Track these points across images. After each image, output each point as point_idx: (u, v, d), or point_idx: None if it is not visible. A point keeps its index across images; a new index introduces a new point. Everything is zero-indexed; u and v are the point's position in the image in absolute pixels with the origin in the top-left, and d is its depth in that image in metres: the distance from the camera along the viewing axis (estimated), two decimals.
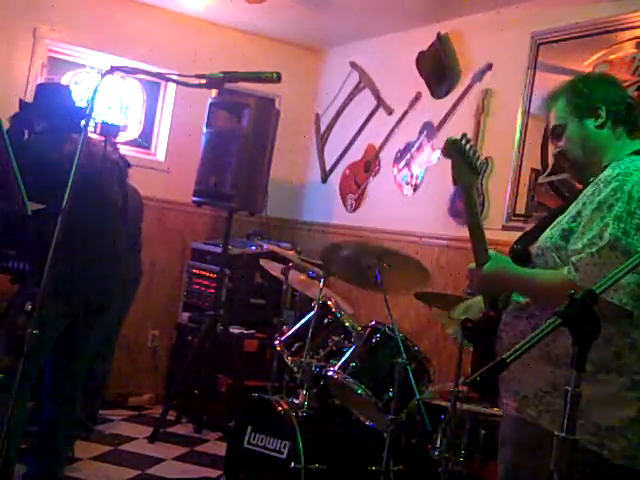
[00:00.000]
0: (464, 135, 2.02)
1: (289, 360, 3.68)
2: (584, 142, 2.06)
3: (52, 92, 3.66)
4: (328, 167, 5.79)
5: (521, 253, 2.07)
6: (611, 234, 1.79)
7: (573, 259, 1.84)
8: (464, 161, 2.03)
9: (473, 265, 2.11)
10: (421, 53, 4.92)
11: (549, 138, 2.23)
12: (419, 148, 4.93)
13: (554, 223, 2.02)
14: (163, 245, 5.52)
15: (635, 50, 3.63)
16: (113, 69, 2.29)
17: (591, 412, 1.80)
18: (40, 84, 3.96)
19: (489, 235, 2.13)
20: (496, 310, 2.11)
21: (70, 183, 2.19)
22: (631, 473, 1.84)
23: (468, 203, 2.09)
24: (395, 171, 5.12)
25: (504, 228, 4.13)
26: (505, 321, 2.08)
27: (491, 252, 2.08)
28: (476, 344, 2.20)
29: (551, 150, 3.92)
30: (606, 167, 1.99)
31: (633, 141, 2.06)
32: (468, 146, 2.02)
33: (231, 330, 5.02)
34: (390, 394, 3.21)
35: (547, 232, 2.02)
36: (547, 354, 1.92)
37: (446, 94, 4.75)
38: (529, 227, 2.30)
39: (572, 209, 1.98)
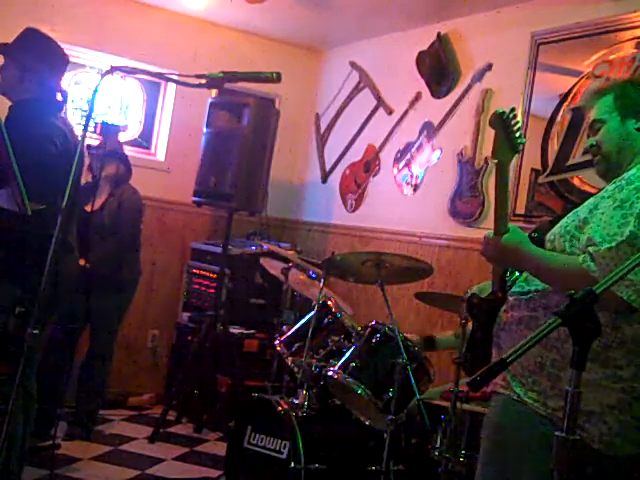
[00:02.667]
0: (512, 109, 2.02)
1: (289, 360, 3.68)
2: (621, 140, 2.08)
3: (43, 45, 3.13)
4: (328, 167, 5.79)
5: (536, 241, 2.09)
6: (631, 231, 1.82)
7: (590, 249, 1.86)
8: (506, 136, 2.02)
9: (491, 233, 2.12)
10: (421, 53, 4.92)
11: (587, 131, 2.24)
12: (419, 148, 4.93)
13: (570, 213, 2.06)
14: (163, 245, 5.53)
15: (635, 50, 3.63)
16: (113, 69, 2.29)
17: None
18: (32, 29, 3.19)
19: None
20: (503, 292, 2.14)
21: (70, 182, 2.19)
22: (606, 458, 1.88)
23: (500, 180, 2.08)
24: (395, 171, 5.12)
25: None
26: (507, 303, 2.11)
27: (511, 225, 2.09)
28: (477, 321, 2.23)
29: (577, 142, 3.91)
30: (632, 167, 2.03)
31: None
32: (513, 122, 2.02)
33: (231, 330, 5.02)
34: (390, 394, 3.21)
35: (563, 220, 2.06)
36: None
37: (446, 94, 4.75)
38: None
39: (591, 201, 2.02)
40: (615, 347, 1.87)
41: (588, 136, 2.20)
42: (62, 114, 3.23)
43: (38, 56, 3.09)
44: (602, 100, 2.16)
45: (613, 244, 1.83)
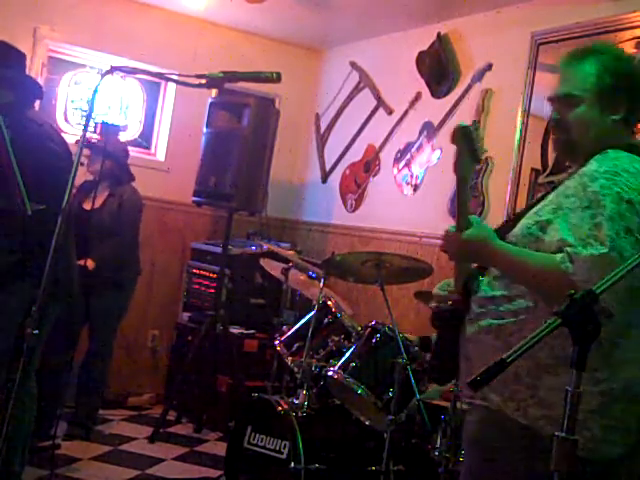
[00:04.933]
0: (475, 122, 1.99)
1: (289, 360, 3.68)
2: (596, 131, 1.96)
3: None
4: (328, 167, 5.79)
5: None
6: (607, 235, 1.74)
7: (569, 249, 1.76)
8: (469, 149, 1.95)
9: (453, 228, 2.00)
10: (421, 53, 4.92)
11: (552, 100, 2.08)
12: (419, 148, 4.93)
13: (530, 212, 1.97)
14: (163, 245, 5.53)
15: (635, 50, 3.63)
16: (113, 69, 2.29)
17: (554, 403, 1.80)
18: None
19: None
20: (467, 298, 2.02)
21: (71, 181, 2.19)
22: (592, 464, 1.81)
23: (462, 192, 1.99)
24: (395, 171, 5.12)
25: None
26: (472, 311, 2.00)
27: (474, 218, 1.98)
28: (442, 333, 2.14)
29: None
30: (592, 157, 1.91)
31: (632, 137, 2.02)
32: (475, 134, 1.97)
33: (231, 330, 5.02)
34: (390, 394, 3.21)
35: (523, 221, 1.96)
36: (508, 345, 1.84)
37: (446, 94, 4.75)
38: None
39: (552, 198, 1.93)
40: (592, 351, 1.74)
41: (551, 100, 2.05)
42: (36, 109, 3.22)
43: None
44: (583, 67, 1.98)
45: (596, 252, 1.73)
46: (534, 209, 1.97)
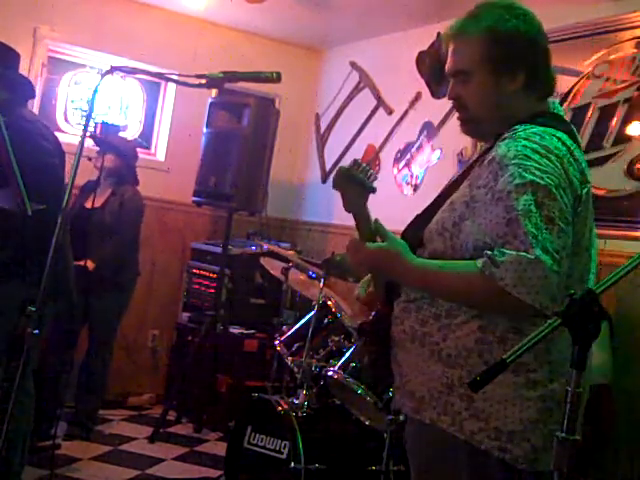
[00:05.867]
0: (355, 161, 1.84)
1: (289, 360, 3.67)
2: (495, 106, 1.81)
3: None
4: (328, 167, 5.79)
5: (412, 239, 1.83)
6: (526, 231, 1.57)
7: (489, 253, 1.61)
8: (356, 187, 1.85)
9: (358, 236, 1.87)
10: (421, 53, 4.92)
11: (446, 78, 1.92)
12: (419, 148, 4.93)
13: (445, 205, 1.80)
14: (163, 245, 5.53)
15: (635, 50, 3.63)
16: (113, 69, 2.29)
17: (491, 415, 1.70)
18: None
19: None
20: (389, 304, 1.91)
21: (71, 182, 2.19)
22: (533, 476, 1.70)
23: (360, 220, 1.88)
24: (395, 171, 5.12)
25: None
26: (395, 314, 1.87)
27: (390, 233, 1.82)
28: (374, 345, 2.00)
29: None
30: (502, 137, 1.76)
31: (539, 102, 1.85)
32: (354, 171, 1.83)
33: (231, 330, 5.02)
34: (390, 394, 3.20)
35: (438, 215, 1.80)
36: (437, 353, 1.77)
37: (446, 94, 4.74)
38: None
39: (465, 191, 1.76)
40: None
41: (450, 75, 1.89)
42: (29, 107, 3.24)
43: None
44: (469, 37, 1.81)
45: (516, 253, 1.57)
46: (451, 198, 1.80)
